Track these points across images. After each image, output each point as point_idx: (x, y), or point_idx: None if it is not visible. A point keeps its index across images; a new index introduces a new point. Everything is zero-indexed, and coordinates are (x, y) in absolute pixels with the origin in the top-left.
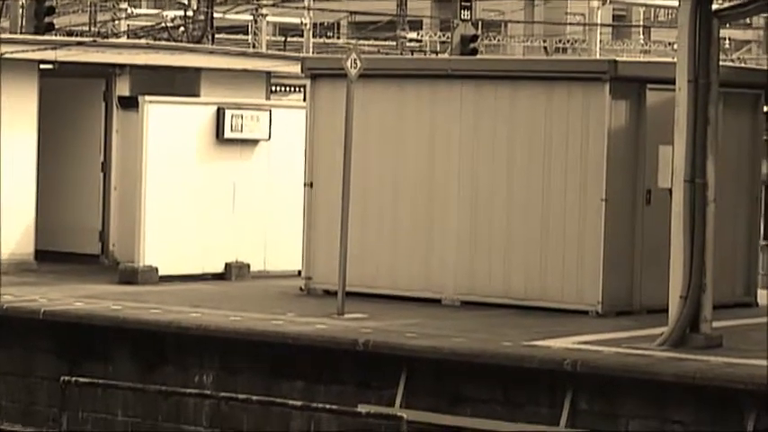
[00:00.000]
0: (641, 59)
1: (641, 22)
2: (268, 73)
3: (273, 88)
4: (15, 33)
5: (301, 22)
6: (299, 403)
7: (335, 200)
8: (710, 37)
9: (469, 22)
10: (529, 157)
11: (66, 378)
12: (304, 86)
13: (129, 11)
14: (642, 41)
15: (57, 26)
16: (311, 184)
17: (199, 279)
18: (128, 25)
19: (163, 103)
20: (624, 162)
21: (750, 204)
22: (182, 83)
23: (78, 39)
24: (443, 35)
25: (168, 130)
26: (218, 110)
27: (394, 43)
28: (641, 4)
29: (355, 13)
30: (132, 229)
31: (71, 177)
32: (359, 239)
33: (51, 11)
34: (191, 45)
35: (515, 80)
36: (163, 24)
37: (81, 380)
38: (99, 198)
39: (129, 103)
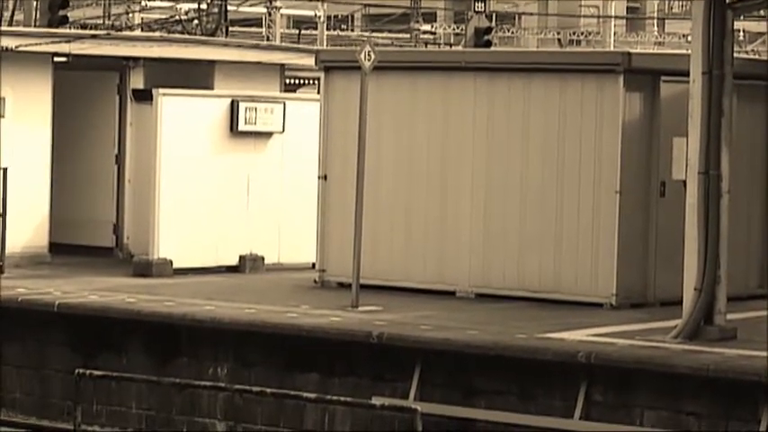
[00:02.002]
0: (655, 51)
1: (655, 14)
2: (282, 65)
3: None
4: (30, 26)
5: (315, 15)
6: (313, 396)
7: (349, 192)
8: (724, 29)
9: (483, 15)
10: (543, 149)
11: (81, 371)
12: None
13: (142, 4)
14: (656, 33)
15: (70, 19)
16: (325, 177)
17: (213, 272)
18: (142, 18)
19: (177, 96)
20: (638, 154)
21: (765, 196)
22: (196, 75)
23: (92, 32)
24: (457, 27)
25: (182, 123)
26: (232, 102)
27: (408, 36)
28: None
29: (369, 5)
30: (146, 221)
31: (85, 170)
32: (373, 232)
33: (65, 4)
34: (204, 38)
35: (529, 72)
36: (177, 17)
37: (95, 373)
38: (113, 191)
39: (143, 96)
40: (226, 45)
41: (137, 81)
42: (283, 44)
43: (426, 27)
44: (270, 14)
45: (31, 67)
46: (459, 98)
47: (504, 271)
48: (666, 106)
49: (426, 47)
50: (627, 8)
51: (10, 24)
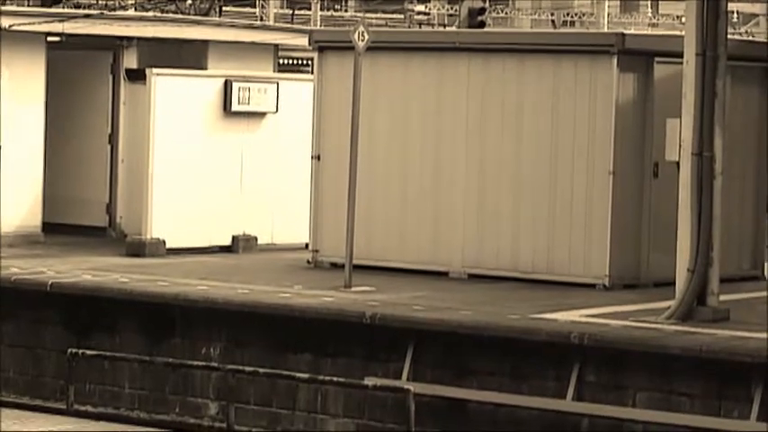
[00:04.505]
0: (649, 32)
1: None
2: (275, 45)
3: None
4: (23, 6)
5: None
6: (305, 376)
7: (343, 173)
8: (718, 10)
9: None
10: (536, 130)
11: (74, 350)
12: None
13: None
14: (650, 14)
15: None
16: (318, 157)
17: (206, 252)
18: None
19: (170, 76)
20: (632, 135)
21: (757, 177)
22: (189, 55)
23: (86, 11)
24: (451, 8)
25: (175, 103)
26: (226, 82)
27: (402, 16)
28: None
29: None
30: (139, 201)
31: (78, 150)
32: (366, 212)
33: None
34: (198, 17)
35: (523, 53)
36: None
37: (88, 352)
38: (106, 170)
39: (137, 76)
40: (219, 25)
41: (130, 61)
42: (277, 24)
43: (420, 8)
44: None
45: (24, 46)
46: (453, 79)
47: (498, 252)
48: (660, 87)
49: (420, 27)
50: None
51: (3, 3)
